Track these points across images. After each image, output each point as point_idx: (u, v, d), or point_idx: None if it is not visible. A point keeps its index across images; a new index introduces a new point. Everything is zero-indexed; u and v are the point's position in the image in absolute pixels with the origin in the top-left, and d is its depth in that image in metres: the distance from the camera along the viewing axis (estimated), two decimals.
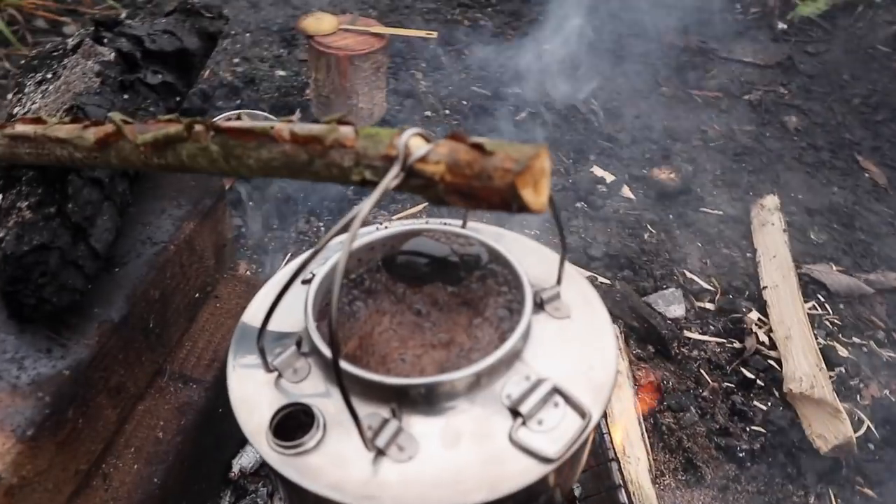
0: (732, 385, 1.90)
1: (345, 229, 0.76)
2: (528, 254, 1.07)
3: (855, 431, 1.74)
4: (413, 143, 0.79)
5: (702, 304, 2.12)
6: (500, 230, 1.15)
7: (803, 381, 1.79)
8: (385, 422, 0.84)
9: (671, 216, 2.44)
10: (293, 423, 0.90)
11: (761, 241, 2.29)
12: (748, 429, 1.80)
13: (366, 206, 0.75)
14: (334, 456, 0.85)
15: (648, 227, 2.38)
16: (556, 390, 0.88)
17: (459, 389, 0.86)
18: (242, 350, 1.01)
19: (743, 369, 1.94)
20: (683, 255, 2.27)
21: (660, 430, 1.77)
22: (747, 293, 2.16)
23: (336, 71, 2.54)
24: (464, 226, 1.09)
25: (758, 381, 1.91)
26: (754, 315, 2.08)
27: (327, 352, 0.89)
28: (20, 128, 1.15)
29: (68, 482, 1.12)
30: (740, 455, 1.74)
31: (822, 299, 2.17)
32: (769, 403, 1.86)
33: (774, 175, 2.69)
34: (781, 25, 3.78)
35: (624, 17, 3.74)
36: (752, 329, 2.03)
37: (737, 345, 2.00)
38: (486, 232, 1.10)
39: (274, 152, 0.89)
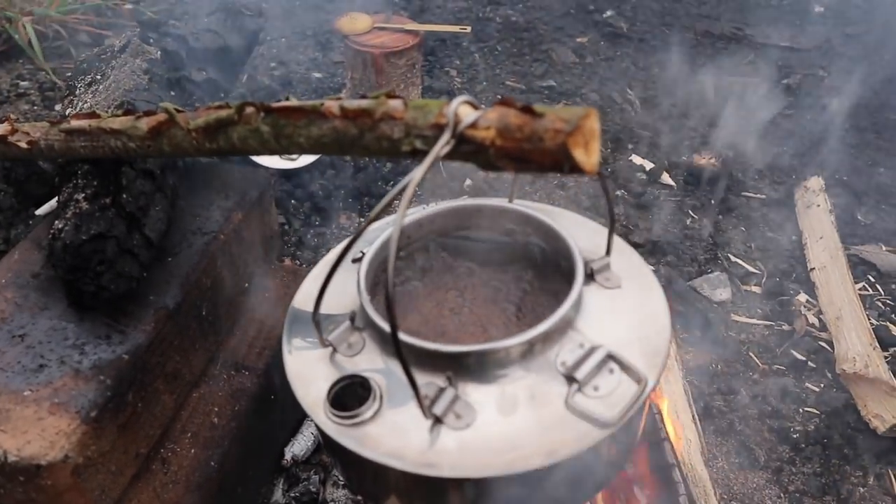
0: (783, 367, 1.87)
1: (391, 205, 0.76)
2: (576, 227, 1.07)
3: None
4: (462, 110, 0.80)
5: (748, 288, 2.09)
6: (546, 206, 1.15)
7: (857, 361, 1.76)
8: (441, 390, 0.85)
9: (713, 201, 2.41)
10: (349, 397, 0.91)
11: (807, 224, 2.25)
12: (801, 410, 1.77)
13: (418, 172, 0.76)
14: (392, 425, 0.85)
15: (690, 212, 2.35)
16: (610, 357, 0.88)
17: (514, 356, 0.87)
18: (296, 330, 1.03)
19: (793, 351, 1.90)
20: (727, 240, 2.25)
21: (710, 413, 1.75)
22: (794, 275, 2.13)
23: (372, 69, 2.57)
24: (510, 201, 1.09)
25: (809, 362, 1.88)
26: (802, 297, 2.04)
27: (383, 323, 0.90)
28: (75, 123, 1.18)
29: (130, 465, 1.14)
30: (794, 437, 1.71)
31: (873, 280, 2.12)
32: (822, 385, 1.82)
33: (817, 157, 2.64)
34: (818, 8, 3.72)
35: (655, 7, 3.72)
36: (800, 311, 1.99)
37: (785, 327, 1.97)
38: (532, 207, 1.10)
39: (324, 129, 0.91)
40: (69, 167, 1.24)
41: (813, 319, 1.98)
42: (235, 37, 1.60)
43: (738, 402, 1.76)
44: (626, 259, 1.05)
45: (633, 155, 2.61)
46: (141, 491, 1.18)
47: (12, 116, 1.29)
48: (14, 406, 1.02)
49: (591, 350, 0.88)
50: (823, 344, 1.91)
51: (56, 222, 1.16)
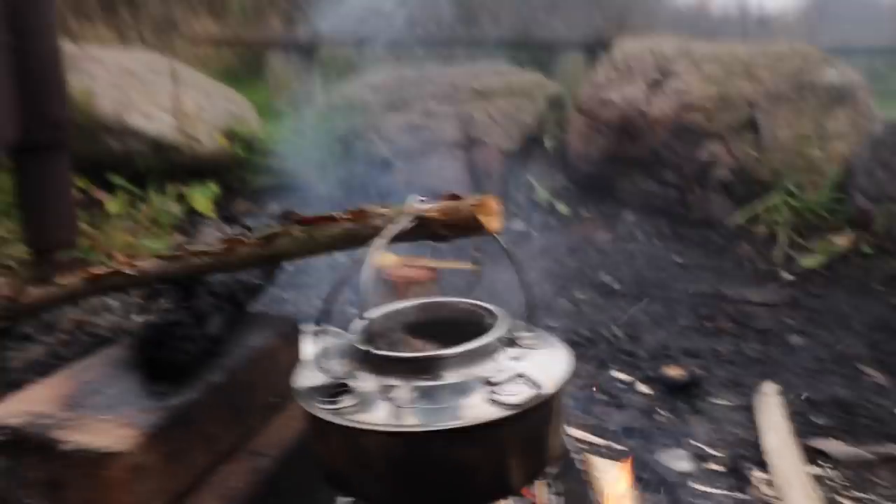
0: None
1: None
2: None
3: None
4: (417, 204, 1.31)
5: (707, 466, 2.35)
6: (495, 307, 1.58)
7: None
8: (397, 387, 1.24)
9: (682, 404, 2.75)
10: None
11: (764, 418, 2.55)
12: None
13: (386, 233, 1.25)
14: (364, 410, 1.23)
15: (661, 411, 2.68)
16: (519, 375, 1.27)
17: (452, 364, 1.26)
18: (302, 373, 1.43)
19: None
20: (692, 431, 2.54)
21: None
22: (752, 458, 2.38)
23: (395, 295, 3.13)
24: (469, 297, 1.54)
25: None
26: (759, 474, 2.28)
27: (361, 346, 1.31)
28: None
29: (167, 494, 1.46)
30: None
31: (825, 464, 2.36)
32: None
33: (780, 378, 2.99)
34: (787, 277, 4.29)
35: (644, 272, 4.35)
36: (755, 484, 2.23)
37: (741, 496, 2.20)
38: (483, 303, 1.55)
39: (337, 229, 1.42)
40: (156, 286, 1.75)
41: (767, 490, 2.20)
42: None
43: None
44: (546, 338, 1.46)
45: (615, 371, 3.01)
46: None
47: (122, 258, 1.83)
48: (93, 422, 1.40)
49: (507, 369, 1.28)
50: None
51: (146, 317, 1.64)
